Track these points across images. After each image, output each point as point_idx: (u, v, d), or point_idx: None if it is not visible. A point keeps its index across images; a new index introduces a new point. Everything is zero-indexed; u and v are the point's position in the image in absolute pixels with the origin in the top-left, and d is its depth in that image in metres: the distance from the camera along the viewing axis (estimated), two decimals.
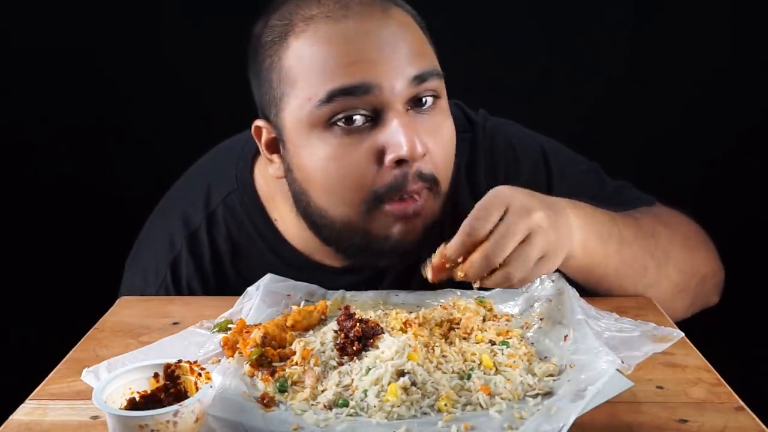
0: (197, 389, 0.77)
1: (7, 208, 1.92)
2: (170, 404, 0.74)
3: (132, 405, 0.78)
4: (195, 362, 0.80)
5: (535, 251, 0.89)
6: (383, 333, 0.88)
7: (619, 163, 1.31)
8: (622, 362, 0.84)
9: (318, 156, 1.01)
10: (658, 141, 1.90)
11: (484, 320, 0.98)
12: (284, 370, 0.86)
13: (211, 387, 0.78)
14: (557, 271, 1.03)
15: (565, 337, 0.91)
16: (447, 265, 0.90)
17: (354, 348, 0.86)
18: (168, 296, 1.18)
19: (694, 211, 1.23)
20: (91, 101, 1.89)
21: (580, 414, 0.75)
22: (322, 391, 0.82)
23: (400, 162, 0.99)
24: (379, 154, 1.00)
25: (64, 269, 1.93)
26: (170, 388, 0.79)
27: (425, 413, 0.79)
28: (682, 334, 0.94)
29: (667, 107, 1.88)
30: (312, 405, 0.81)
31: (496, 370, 0.85)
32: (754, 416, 0.79)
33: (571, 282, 1.04)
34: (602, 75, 1.88)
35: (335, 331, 0.90)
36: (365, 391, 0.80)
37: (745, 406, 0.81)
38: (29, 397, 0.86)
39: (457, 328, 0.95)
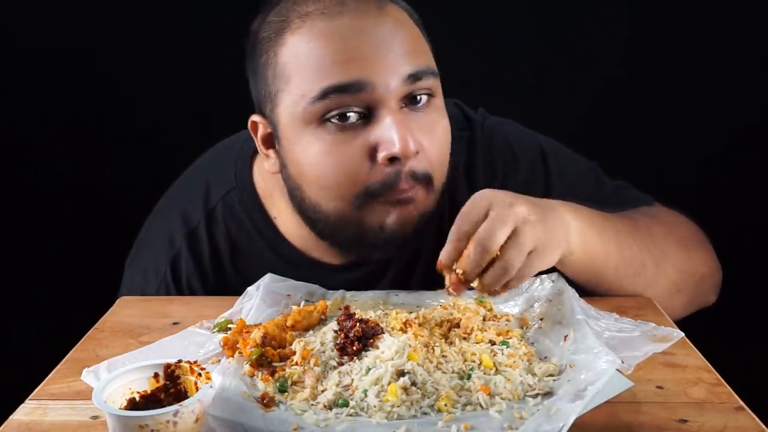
0: (197, 389, 0.77)
1: (7, 208, 1.92)
2: (170, 404, 0.74)
3: (132, 405, 0.78)
4: (195, 362, 0.80)
5: (526, 241, 0.88)
6: (383, 333, 0.88)
7: (616, 161, 1.31)
8: (622, 362, 0.84)
9: (312, 152, 1.02)
10: (655, 139, 1.90)
11: (484, 320, 0.98)
12: (284, 370, 0.86)
13: (211, 387, 0.78)
14: (557, 271, 1.04)
15: (565, 337, 0.91)
16: (445, 273, 0.90)
17: (354, 348, 0.86)
18: (168, 296, 1.18)
19: (692, 210, 1.23)
20: (91, 101, 1.89)
21: (580, 414, 0.75)
22: (322, 391, 0.82)
23: (392, 159, 0.99)
24: (372, 151, 1.00)
25: (64, 269, 1.93)
26: (170, 388, 0.79)
27: (425, 413, 0.79)
28: (682, 334, 0.94)
29: (664, 105, 1.88)
30: (312, 405, 0.81)
31: (496, 370, 0.85)
32: (754, 416, 0.79)
33: (571, 283, 1.04)
34: (598, 71, 1.88)
35: (335, 331, 0.90)
36: (365, 391, 0.80)
37: (745, 406, 0.81)
38: (29, 397, 0.86)
39: (457, 328, 0.95)
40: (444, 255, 0.89)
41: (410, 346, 0.84)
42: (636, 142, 1.88)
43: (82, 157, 1.91)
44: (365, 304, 1.04)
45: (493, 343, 0.91)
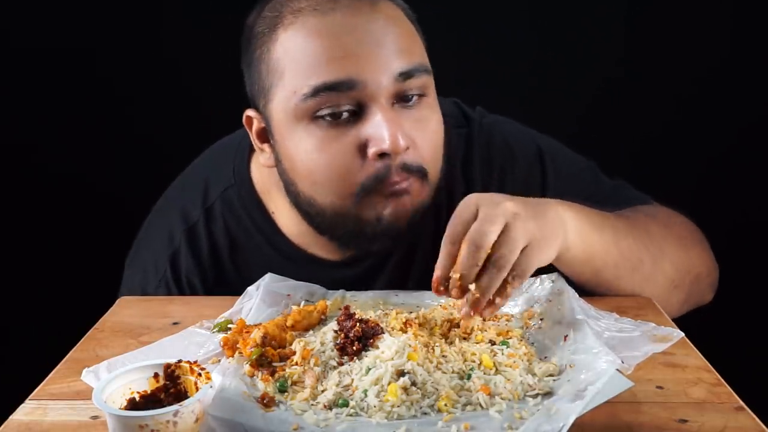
0: (197, 389, 0.77)
1: (7, 208, 1.92)
2: (170, 404, 0.74)
3: (132, 405, 0.78)
4: (195, 362, 0.80)
5: (518, 234, 0.88)
6: (383, 333, 0.88)
7: (616, 161, 1.31)
8: (622, 362, 0.84)
9: (303, 148, 1.03)
10: (655, 139, 1.90)
11: (484, 320, 0.98)
12: (284, 370, 0.86)
13: (211, 387, 0.78)
14: (557, 271, 1.03)
15: (565, 337, 0.91)
16: (441, 288, 0.90)
17: (354, 348, 0.86)
18: (168, 296, 1.18)
19: (692, 210, 1.23)
20: (91, 101, 1.89)
21: (580, 414, 0.75)
22: (322, 391, 0.82)
23: (382, 155, 1.00)
24: (363, 147, 1.01)
25: (64, 269, 1.93)
26: (170, 388, 0.79)
27: (425, 413, 0.79)
28: (682, 334, 0.94)
29: (663, 105, 1.88)
30: (312, 405, 0.81)
31: (496, 370, 0.85)
32: (754, 416, 0.79)
33: (570, 282, 1.04)
34: (597, 71, 1.88)
35: (335, 331, 0.90)
36: (365, 391, 0.80)
37: (745, 406, 0.81)
38: (29, 397, 0.86)
39: (457, 328, 0.95)
40: (438, 264, 0.89)
41: (410, 346, 0.84)
42: (636, 141, 1.88)
43: (82, 157, 1.91)
44: (365, 304, 1.04)
45: (493, 343, 0.91)
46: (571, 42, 1.87)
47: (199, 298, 1.16)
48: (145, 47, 1.86)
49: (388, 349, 0.84)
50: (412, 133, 1.01)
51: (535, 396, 0.81)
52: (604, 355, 0.84)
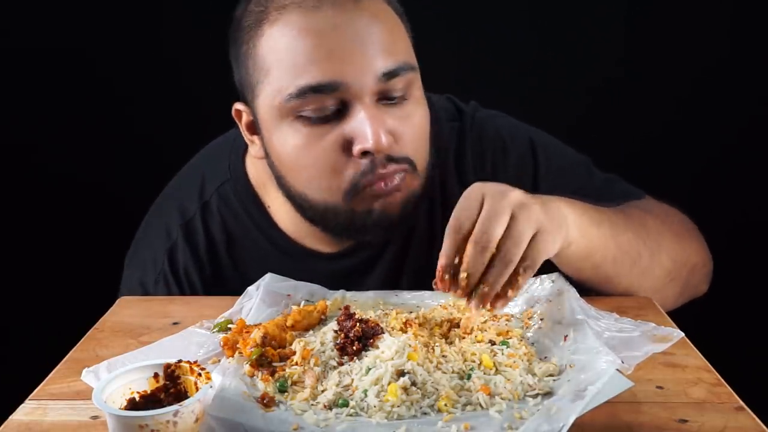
0: (197, 389, 0.77)
1: (7, 208, 1.92)
2: (170, 404, 0.74)
3: (132, 405, 0.78)
4: (195, 362, 0.80)
5: (525, 226, 0.87)
6: (383, 333, 0.88)
7: (615, 160, 1.30)
8: (622, 362, 0.84)
9: (289, 144, 1.04)
10: (655, 138, 1.90)
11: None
12: (284, 370, 0.86)
13: (211, 387, 0.78)
14: (556, 270, 1.03)
15: (565, 337, 0.91)
16: (446, 276, 0.88)
17: (354, 348, 0.86)
18: (168, 296, 1.18)
19: (693, 209, 1.23)
20: (91, 101, 1.89)
21: (580, 414, 0.75)
22: (322, 391, 0.82)
23: (366, 152, 1.01)
24: (348, 145, 1.02)
25: (64, 269, 1.93)
26: (170, 388, 0.79)
27: (425, 413, 0.79)
28: (682, 334, 0.94)
29: (663, 105, 1.89)
30: (312, 405, 0.81)
31: (496, 370, 0.85)
32: (754, 416, 0.79)
33: (570, 280, 1.03)
34: (596, 70, 1.88)
35: (335, 331, 0.90)
36: (365, 391, 0.80)
37: (745, 406, 0.81)
38: (29, 397, 0.86)
39: (457, 328, 0.95)
40: (442, 254, 0.88)
41: (410, 346, 0.84)
42: (635, 141, 1.88)
43: (82, 157, 1.91)
44: (365, 304, 1.04)
45: (493, 343, 0.91)
46: (571, 42, 1.87)
47: (199, 298, 1.16)
48: (145, 47, 1.86)
49: (388, 349, 0.84)
50: (396, 129, 1.03)
51: (535, 396, 0.81)
52: (604, 355, 0.84)
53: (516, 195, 0.89)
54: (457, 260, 0.88)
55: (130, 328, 1.03)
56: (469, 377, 0.83)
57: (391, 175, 1.03)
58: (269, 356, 0.88)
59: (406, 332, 0.89)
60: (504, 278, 0.87)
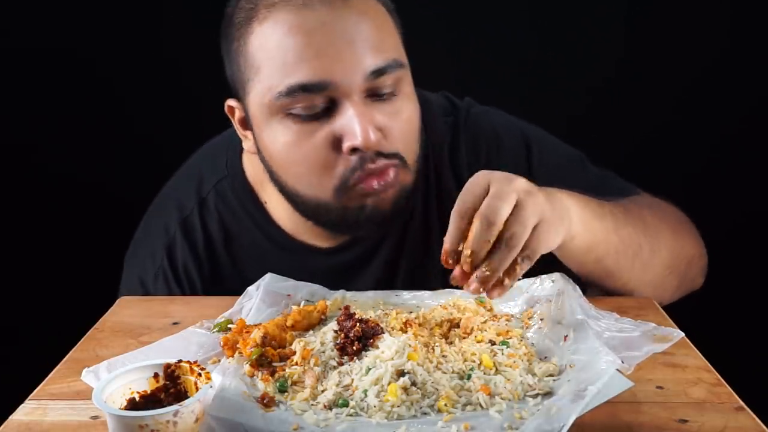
0: (197, 389, 0.77)
1: (7, 208, 1.92)
2: (170, 404, 0.74)
3: (132, 405, 0.78)
4: (195, 362, 0.80)
5: (530, 212, 0.86)
6: (383, 333, 0.88)
7: (615, 160, 1.31)
8: (622, 362, 0.84)
9: (279, 141, 1.05)
10: (655, 138, 1.90)
11: (484, 321, 0.98)
12: (284, 370, 0.86)
13: (211, 387, 0.78)
14: (557, 271, 1.03)
15: (565, 337, 0.91)
16: (450, 260, 0.87)
17: (354, 348, 0.86)
18: (168, 296, 1.18)
19: (692, 209, 1.23)
20: (91, 101, 1.89)
21: (580, 414, 0.75)
22: (322, 391, 0.82)
23: (356, 149, 1.02)
24: (337, 142, 1.03)
25: (64, 269, 1.93)
26: (170, 388, 0.79)
27: (425, 413, 0.79)
28: (682, 334, 0.94)
29: (662, 104, 1.88)
30: (312, 405, 0.81)
31: (496, 370, 0.85)
32: (754, 416, 0.79)
33: (572, 278, 1.03)
34: (596, 70, 1.88)
35: (335, 331, 0.90)
36: (365, 391, 0.80)
37: (745, 406, 0.81)
38: (29, 397, 0.86)
39: (457, 328, 0.95)
40: (447, 237, 0.87)
41: (410, 346, 0.84)
42: (635, 141, 1.88)
43: (82, 157, 1.90)
44: (365, 304, 1.04)
45: (493, 343, 0.91)
46: (571, 42, 1.87)
47: (199, 298, 1.16)
48: (145, 47, 1.85)
49: (388, 349, 0.84)
50: (384, 124, 1.03)
51: (535, 396, 0.81)
52: (604, 355, 0.84)
53: (522, 182, 0.89)
54: (461, 246, 0.86)
55: (130, 328, 1.03)
56: (469, 377, 0.83)
57: (382, 171, 1.03)
58: (269, 356, 0.88)
59: (406, 332, 0.89)
60: (508, 262, 0.86)
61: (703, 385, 0.85)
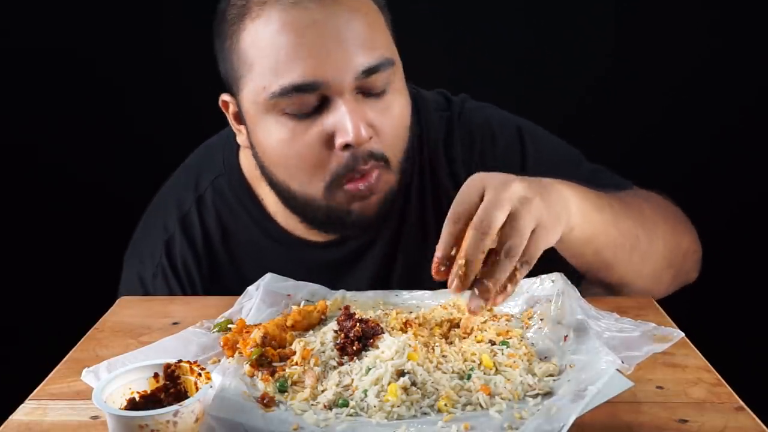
0: (197, 389, 0.77)
1: (8, 208, 1.92)
2: (170, 404, 0.74)
3: (132, 405, 0.78)
4: (195, 362, 0.80)
5: (526, 220, 0.85)
6: (383, 333, 0.88)
7: (614, 160, 1.30)
8: (622, 362, 0.84)
9: (272, 138, 1.06)
10: (653, 137, 1.90)
11: (484, 321, 0.98)
12: (284, 370, 0.86)
13: (211, 387, 0.78)
14: (557, 271, 1.03)
15: (565, 337, 0.91)
16: (442, 268, 0.85)
17: (354, 348, 0.86)
18: (168, 296, 1.18)
19: (692, 209, 1.23)
20: (91, 101, 1.89)
21: (580, 414, 0.75)
22: (322, 391, 0.82)
23: (348, 146, 1.03)
24: (330, 138, 1.04)
25: (64, 269, 1.93)
26: (170, 388, 0.79)
27: (425, 413, 0.79)
28: (682, 334, 0.94)
29: (657, 102, 1.89)
30: (312, 405, 0.81)
31: (496, 370, 0.85)
32: (754, 416, 0.79)
33: (571, 277, 1.03)
34: (592, 68, 1.89)
35: (335, 331, 0.90)
36: (365, 391, 0.80)
37: (745, 406, 0.81)
38: (29, 397, 0.86)
39: (457, 328, 0.95)
40: (439, 245, 0.85)
41: (410, 346, 0.84)
42: (631, 139, 1.88)
43: (82, 156, 1.91)
44: (365, 304, 1.04)
45: (493, 343, 0.91)
46: (567, 40, 1.88)
47: (199, 298, 1.16)
48: (145, 47, 1.86)
49: (388, 349, 0.84)
50: (375, 121, 1.05)
51: (535, 396, 0.81)
52: (604, 355, 0.84)
53: (518, 187, 0.86)
54: (454, 251, 0.85)
55: (130, 328, 1.03)
56: (469, 377, 0.83)
57: (367, 172, 1.05)
58: (269, 356, 0.88)
59: (406, 332, 0.89)
60: (508, 272, 0.85)
61: (703, 385, 0.85)
